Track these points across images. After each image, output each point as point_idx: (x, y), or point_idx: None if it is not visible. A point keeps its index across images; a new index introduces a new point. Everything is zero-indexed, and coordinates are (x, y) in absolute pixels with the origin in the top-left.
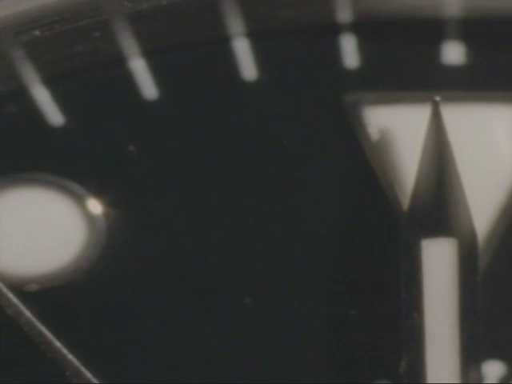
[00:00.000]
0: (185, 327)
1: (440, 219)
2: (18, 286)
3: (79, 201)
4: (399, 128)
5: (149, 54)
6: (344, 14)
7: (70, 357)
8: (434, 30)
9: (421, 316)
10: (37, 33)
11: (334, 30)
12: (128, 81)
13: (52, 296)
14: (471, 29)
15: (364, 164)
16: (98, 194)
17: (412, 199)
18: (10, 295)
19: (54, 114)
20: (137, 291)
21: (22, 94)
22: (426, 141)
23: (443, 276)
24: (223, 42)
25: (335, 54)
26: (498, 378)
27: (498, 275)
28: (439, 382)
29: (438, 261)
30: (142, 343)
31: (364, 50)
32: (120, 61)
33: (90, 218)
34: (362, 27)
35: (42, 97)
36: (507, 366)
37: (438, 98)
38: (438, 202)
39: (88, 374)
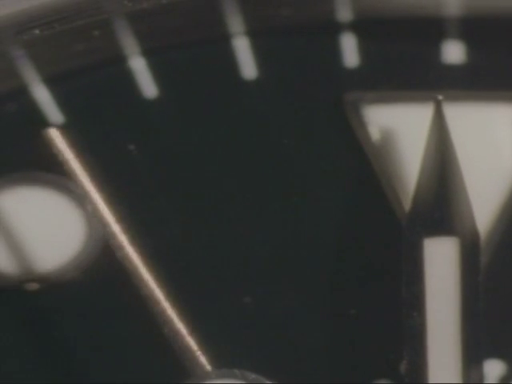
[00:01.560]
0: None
1: (442, 218)
2: (18, 286)
3: (79, 200)
4: (399, 127)
5: (149, 53)
6: (344, 13)
7: (175, 316)
8: (434, 29)
9: (422, 315)
10: (37, 32)
11: (334, 29)
12: (128, 80)
13: (52, 295)
14: (471, 28)
15: (365, 163)
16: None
17: (414, 198)
18: (123, 239)
19: (53, 113)
20: (136, 290)
21: (21, 93)
22: (429, 140)
23: (445, 275)
24: (223, 40)
25: (335, 53)
26: (498, 377)
27: (498, 274)
28: (441, 382)
29: (440, 260)
30: (142, 342)
31: (364, 49)
32: (120, 60)
33: (89, 217)
34: (363, 26)
35: (42, 96)
36: (507, 365)
37: (440, 97)
38: (440, 201)
39: (188, 337)
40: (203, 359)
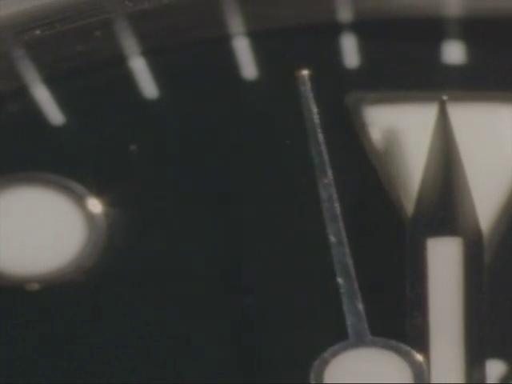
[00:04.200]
0: (185, 327)
1: (446, 218)
2: (19, 286)
3: (79, 200)
4: (400, 127)
5: (149, 54)
6: (345, 14)
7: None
8: (434, 29)
9: (426, 315)
10: (37, 32)
11: (335, 30)
12: (128, 80)
13: (52, 295)
14: (472, 28)
15: (366, 164)
16: (99, 193)
17: (418, 198)
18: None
19: (54, 114)
20: (137, 290)
21: (22, 94)
22: (433, 140)
23: (448, 275)
24: (223, 41)
25: (336, 53)
26: (498, 377)
27: (498, 273)
28: (443, 382)
29: (444, 260)
30: (142, 343)
31: (365, 49)
32: (121, 60)
33: (90, 217)
34: (363, 27)
35: (43, 96)
36: (507, 365)
37: (445, 97)
38: (444, 201)
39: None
40: (367, 327)
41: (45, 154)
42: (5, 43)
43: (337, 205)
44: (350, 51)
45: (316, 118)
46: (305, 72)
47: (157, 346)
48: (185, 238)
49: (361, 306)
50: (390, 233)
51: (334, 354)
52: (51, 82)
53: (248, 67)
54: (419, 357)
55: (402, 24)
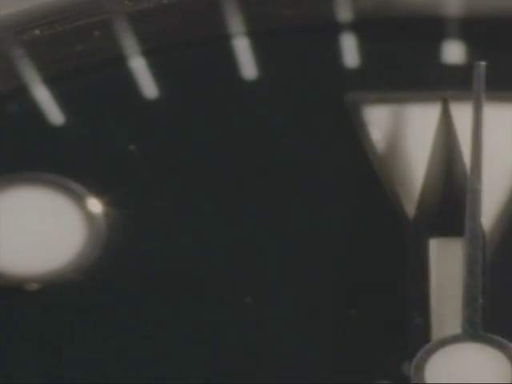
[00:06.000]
0: (185, 327)
1: (448, 218)
2: (19, 286)
3: (79, 200)
4: (400, 127)
5: (149, 54)
6: (344, 13)
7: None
8: (434, 29)
9: (427, 316)
10: (37, 32)
11: (335, 29)
12: (128, 80)
13: (52, 295)
14: (472, 28)
15: (366, 164)
16: (98, 193)
17: (420, 198)
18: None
19: (54, 114)
20: (136, 290)
21: (22, 94)
22: (435, 139)
23: (450, 275)
24: (223, 41)
25: (336, 53)
26: None
27: (500, 273)
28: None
29: (446, 260)
30: (142, 343)
31: (364, 49)
32: (120, 60)
33: (90, 217)
34: (363, 26)
35: (43, 96)
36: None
37: (447, 97)
38: (446, 201)
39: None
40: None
41: (44, 154)
42: (4, 43)
43: (480, 199)
44: (350, 51)
45: (483, 112)
46: (483, 63)
47: (157, 346)
48: (184, 237)
49: (481, 301)
50: (391, 233)
51: (441, 345)
52: (51, 81)
53: (248, 67)
54: None
55: (401, 24)
